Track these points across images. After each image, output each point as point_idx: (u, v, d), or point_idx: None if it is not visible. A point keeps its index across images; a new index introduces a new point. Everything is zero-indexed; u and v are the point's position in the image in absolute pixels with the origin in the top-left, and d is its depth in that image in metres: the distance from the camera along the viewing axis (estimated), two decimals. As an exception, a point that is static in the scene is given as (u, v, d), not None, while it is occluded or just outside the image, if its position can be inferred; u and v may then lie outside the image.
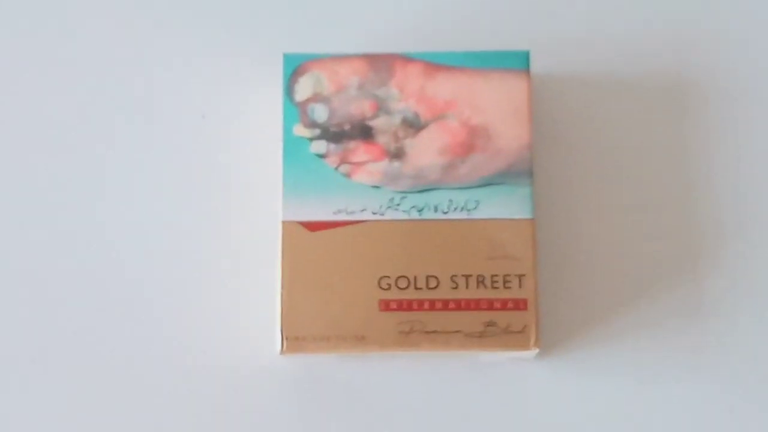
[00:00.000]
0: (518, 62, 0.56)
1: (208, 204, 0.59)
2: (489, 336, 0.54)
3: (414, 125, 0.56)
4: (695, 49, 0.60)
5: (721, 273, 0.58)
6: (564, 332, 0.57)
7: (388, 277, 0.55)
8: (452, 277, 0.55)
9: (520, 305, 0.54)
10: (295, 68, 0.56)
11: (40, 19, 0.61)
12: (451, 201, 0.55)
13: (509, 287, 0.55)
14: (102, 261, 0.58)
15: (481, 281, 0.55)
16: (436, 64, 0.56)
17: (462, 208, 0.55)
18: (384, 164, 0.56)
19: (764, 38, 0.61)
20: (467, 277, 0.55)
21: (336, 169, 0.56)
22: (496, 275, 0.55)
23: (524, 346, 0.54)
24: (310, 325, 0.54)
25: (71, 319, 0.58)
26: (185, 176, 0.59)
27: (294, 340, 0.54)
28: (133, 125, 0.60)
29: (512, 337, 0.54)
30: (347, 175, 0.56)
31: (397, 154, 0.56)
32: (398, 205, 0.55)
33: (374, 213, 0.55)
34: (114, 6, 0.61)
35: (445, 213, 0.55)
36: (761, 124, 0.60)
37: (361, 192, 0.55)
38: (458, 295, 0.54)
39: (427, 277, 0.55)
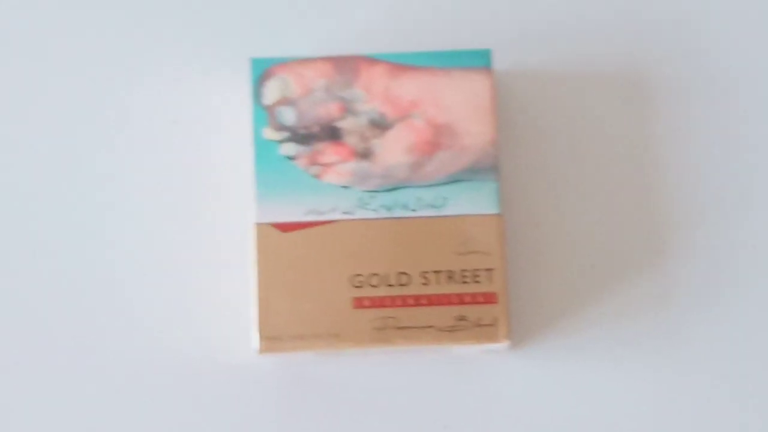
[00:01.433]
0: (480, 60, 0.58)
1: (181, 208, 0.60)
2: (460, 330, 0.55)
3: (381, 125, 0.57)
4: (654, 41, 0.62)
5: (685, 262, 0.59)
6: (534, 324, 0.58)
7: (361, 275, 0.56)
8: (423, 274, 0.56)
9: (490, 299, 0.55)
10: (262, 72, 0.57)
11: (11, 26, 0.62)
12: (419, 198, 0.56)
13: (479, 282, 0.56)
14: (76, 264, 0.59)
15: (451, 276, 0.56)
16: (400, 64, 0.58)
17: (430, 206, 0.56)
18: (353, 164, 0.57)
19: (721, 29, 0.62)
20: (437, 272, 0.56)
21: (306, 170, 0.57)
22: (466, 270, 0.56)
23: (495, 339, 0.55)
24: (286, 324, 0.55)
25: (47, 320, 0.58)
26: (158, 181, 0.60)
27: (270, 339, 0.55)
28: (104, 132, 0.61)
29: (483, 331, 0.55)
30: (317, 176, 0.57)
31: (365, 154, 0.57)
32: (368, 204, 0.56)
33: (345, 212, 0.56)
34: (84, 13, 0.62)
35: (414, 210, 0.56)
36: (720, 114, 0.61)
37: (331, 192, 0.56)
38: (429, 290, 0.56)
39: (399, 274, 0.56)
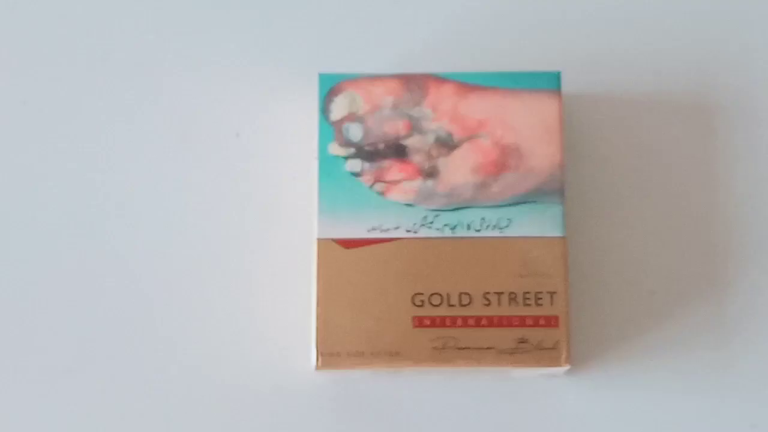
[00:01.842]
0: (550, 82, 0.57)
1: (244, 223, 0.60)
2: (521, 353, 0.55)
3: (447, 144, 0.57)
4: (723, 69, 0.61)
5: (745, 291, 0.59)
6: (594, 348, 0.58)
7: (422, 294, 0.55)
8: (485, 294, 0.55)
9: (551, 322, 0.55)
10: (330, 88, 0.57)
11: (76, 41, 0.62)
12: (483, 219, 0.56)
13: (541, 304, 0.55)
14: (141, 281, 0.59)
15: (513, 298, 0.55)
16: (468, 84, 0.57)
17: (494, 226, 0.56)
18: (418, 183, 0.57)
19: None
20: (499, 294, 0.55)
21: (370, 187, 0.56)
22: (528, 292, 0.55)
23: (556, 362, 0.55)
24: (345, 341, 0.55)
25: (107, 336, 0.59)
26: (221, 195, 0.60)
27: (329, 355, 0.55)
28: (170, 145, 0.61)
29: (544, 354, 0.55)
30: (381, 194, 0.56)
31: (431, 173, 0.57)
32: (431, 223, 0.56)
33: (408, 231, 0.56)
34: (152, 27, 0.62)
35: (478, 231, 0.56)
36: (789, 144, 0.61)
37: (395, 210, 0.56)
38: (491, 312, 0.55)
39: (460, 294, 0.55)
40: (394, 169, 0.57)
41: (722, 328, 0.58)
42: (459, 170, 0.57)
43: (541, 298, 0.55)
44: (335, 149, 0.57)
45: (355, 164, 0.57)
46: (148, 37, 0.62)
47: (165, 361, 0.58)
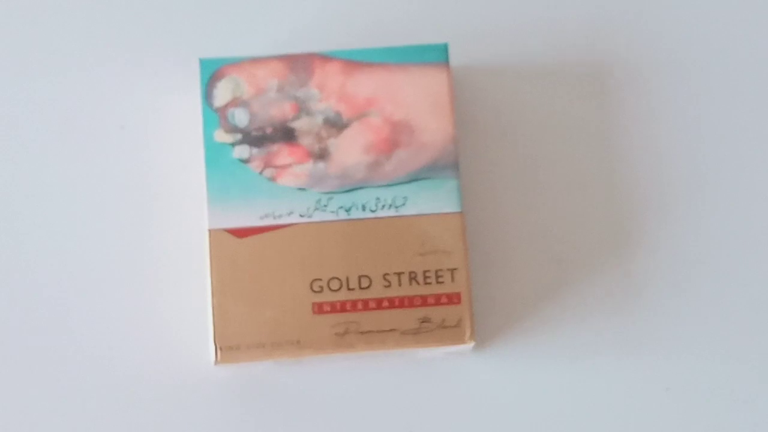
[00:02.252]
0: (437, 55, 0.56)
1: (133, 215, 0.58)
2: (424, 332, 0.54)
3: (336, 124, 0.56)
4: (608, 34, 0.61)
5: (647, 254, 0.58)
6: (500, 323, 0.57)
7: (320, 279, 0.54)
8: (384, 276, 0.54)
9: (453, 299, 0.54)
10: (212, 73, 0.56)
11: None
12: (378, 199, 0.55)
13: (442, 282, 0.54)
14: (26, 275, 0.57)
15: (413, 278, 0.54)
16: (354, 61, 0.56)
17: (390, 206, 0.55)
18: (309, 166, 0.55)
19: (680, 19, 0.61)
20: (399, 274, 0.54)
21: (260, 173, 0.55)
22: (429, 271, 0.54)
23: (460, 340, 0.54)
24: (244, 333, 0.53)
25: (1, 333, 0.57)
26: (108, 188, 0.58)
27: (228, 349, 0.53)
28: (52, 139, 0.59)
29: (448, 332, 0.54)
30: (272, 179, 0.55)
31: (321, 155, 0.55)
32: (325, 206, 0.55)
33: (302, 215, 0.55)
34: (29, 14, 0.60)
35: (374, 211, 0.55)
36: (682, 105, 0.60)
37: (287, 195, 0.55)
38: (391, 293, 0.54)
39: (360, 277, 0.54)
40: (283, 154, 0.55)
41: (628, 292, 0.58)
42: (350, 150, 0.55)
43: (441, 276, 0.54)
44: (221, 136, 0.55)
45: (242, 150, 0.55)
46: (26, 29, 0.60)
47: (61, 358, 0.57)
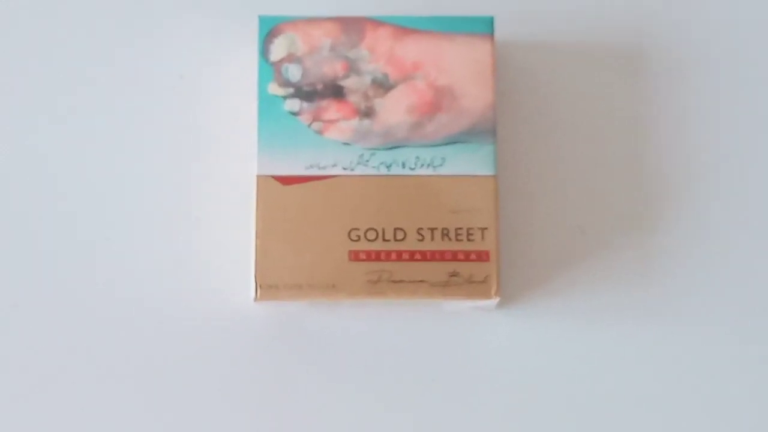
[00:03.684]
0: (483, 27, 0.59)
1: (186, 160, 0.61)
2: (452, 285, 0.57)
3: (383, 85, 0.59)
4: (653, 15, 0.63)
5: (673, 225, 0.61)
6: (524, 283, 0.60)
7: (358, 229, 0.57)
8: (418, 230, 0.57)
9: (482, 256, 0.57)
10: (269, 30, 0.59)
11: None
12: (418, 158, 0.58)
13: (472, 239, 0.57)
14: (83, 215, 0.61)
15: (445, 234, 0.57)
16: (404, 27, 0.59)
17: (428, 165, 0.58)
18: (354, 122, 0.58)
19: (721, 4, 0.63)
20: (432, 229, 0.57)
21: (309, 126, 0.58)
22: (460, 228, 0.57)
23: (486, 295, 0.57)
24: (283, 273, 0.57)
25: (44, 268, 0.60)
26: (164, 134, 0.61)
27: (267, 287, 0.57)
28: (111, 87, 0.62)
29: (474, 287, 0.57)
30: (319, 132, 0.58)
31: (367, 113, 0.58)
32: (368, 161, 0.58)
33: (345, 168, 0.58)
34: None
35: (413, 169, 0.58)
36: (716, 89, 0.62)
37: (332, 148, 0.58)
38: (424, 246, 0.57)
39: (395, 230, 0.57)
40: (331, 109, 0.58)
41: (648, 264, 0.60)
42: (395, 111, 0.58)
43: (472, 234, 0.57)
44: (274, 89, 0.58)
45: (293, 104, 0.58)
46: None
47: (107, 295, 0.60)
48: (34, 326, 0.59)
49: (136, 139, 0.61)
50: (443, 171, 0.58)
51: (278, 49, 0.59)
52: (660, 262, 0.60)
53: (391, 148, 0.58)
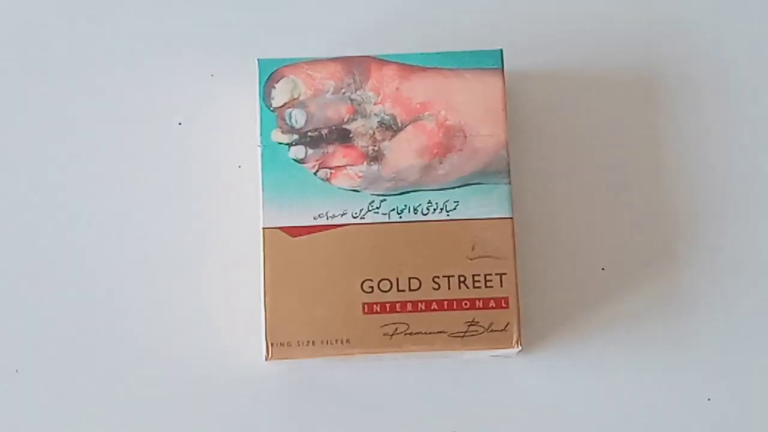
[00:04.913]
0: (491, 61, 0.57)
1: (188, 213, 0.59)
2: (472, 335, 0.55)
3: (391, 127, 0.56)
4: (664, 43, 0.61)
5: (695, 265, 0.59)
6: (545, 329, 0.58)
7: (371, 279, 0.55)
8: (434, 278, 0.55)
9: (501, 304, 0.55)
10: (270, 74, 0.57)
11: (10, 34, 0.61)
12: (430, 202, 0.56)
13: (491, 286, 0.55)
14: (83, 272, 0.58)
15: (462, 281, 0.55)
16: (410, 65, 0.57)
17: (441, 209, 0.56)
18: (363, 167, 0.56)
19: (731, 29, 0.61)
20: (449, 277, 0.55)
21: (315, 173, 0.56)
22: (477, 275, 0.55)
23: (507, 344, 0.55)
24: (295, 330, 0.54)
25: (54, 325, 0.58)
26: (166, 185, 0.59)
27: (279, 345, 0.55)
28: (110, 135, 0.60)
29: (495, 336, 0.55)
30: (326, 180, 0.56)
31: (376, 157, 0.56)
32: (378, 208, 0.56)
33: (354, 216, 0.56)
34: (90, 13, 0.61)
35: (425, 214, 0.56)
36: (731, 116, 0.60)
37: (340, 196, 0.56)
38: (440, 295, 0.55)
39: (409, 279, 0.55)
40: (338, 155, 0.56)
41: (673, 302, 0.58)
42: (404, 153, 0.56)
43: (490, 280, 0.55)
44: (278, 136, 0.56)
45: (298, 151, 0.56)
46: (86, 26, 0.61)
47: (117, 353, 0.58)
48: (37, 389, 0.57)
49: (135, 190, 0.59)
50: (457, 215, 0.56)
51: (280, 94, 0.56)
52: (684, 298, 0.58)
53: (401, 194, 0.56)
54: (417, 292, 0.55)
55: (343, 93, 0.57)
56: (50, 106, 0.60)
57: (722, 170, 0.60)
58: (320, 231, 0.55)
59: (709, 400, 0.58)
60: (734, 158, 0.60)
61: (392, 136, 0.56)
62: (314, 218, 0.55)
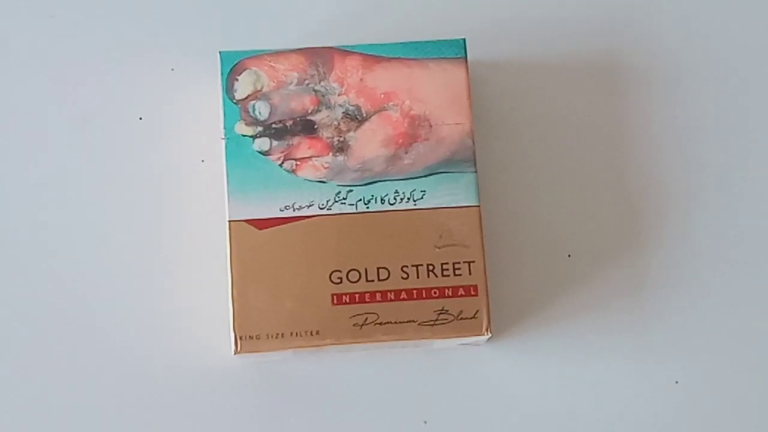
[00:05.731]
0: (455, 50, 0.57)
1: (152, 209, 0.58)
2: (442, 323, 0.55)
3: (356, 118, 0.56)
4: (623, 31, 0.61)
5: (660, 250, 0.59)
6: (514, 315, 0.58)
7: (339, 270, 0.55)
8: (402, 268, 0.55)
9: (470, 291, 0.55)
10: (232, 66, 0.56)
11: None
12: (397, 192, 0.56)
13: (459, 274, 0.55)
14: (46, 269, 0.58)
15: (431, 270, 0.55)
16: (374, 55, 0.57)
17: (408, 199, 0.56)
18: (328, 158, 0.56)
19: (694, 17, 0.62)
20: (417, 266, 0.55)
21: (280, 165, 0.56)
22: (446, 263, 0.55)
23: (477, 331, 0.55)
24: (263, 323, 0.54)
25: (21, 324, 0.57)
26: (129, 181, 0.59)
27: (248, 339, 0.54)
28: (70, 130, 0.59)
29: (465, 324, 0.55)
30: (292, 171, 0.56)
31: (341, 148, 0.56)
32: (345, 198, 0.55)
33: (321, 208, 0.55)
34: (48, 7, 0.60)
35: (392, 204, 0.55)
36: (694, 103, 0.61)
37: (307, 187, 0.55)
38: (409, 284, 0.55)
39: (378, 269, 0.55)
40: (303, 146, 0.56)
41: (639, 288, 0.59)
42: (369, 144, 0.56)
43: (459, 268, 0.55)
44: (242, 128, 0.56)
45: (263, 143, 0.56)
46: (45, 22, 0.60)
47: (83, 349, 0.57)
48: (7, 384, 0.56)
49: (99, 186, 0.59)
50: (424, 204, 0.55)
51: (243, 86, 0.56)
52: (650, 283, 0.59)
53: (368, 184, 0.56)
54: (386, 281, 0.55)
55: (307, 84, 0.56)
56: (8, 103, 0.59)
57: (688, 156, 0.60)
58: (287, 223, 0.55)
59: (676, 383, 0.58)
60: (700, 144, 0.60)
61: (357, 127, 0.56)
62: (281, 210, 0.55)
